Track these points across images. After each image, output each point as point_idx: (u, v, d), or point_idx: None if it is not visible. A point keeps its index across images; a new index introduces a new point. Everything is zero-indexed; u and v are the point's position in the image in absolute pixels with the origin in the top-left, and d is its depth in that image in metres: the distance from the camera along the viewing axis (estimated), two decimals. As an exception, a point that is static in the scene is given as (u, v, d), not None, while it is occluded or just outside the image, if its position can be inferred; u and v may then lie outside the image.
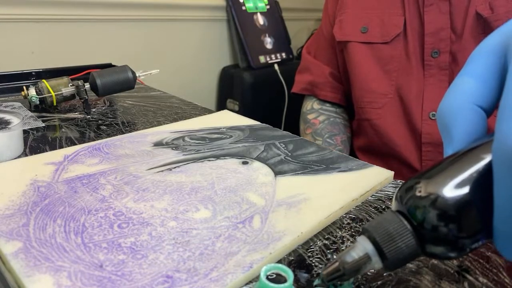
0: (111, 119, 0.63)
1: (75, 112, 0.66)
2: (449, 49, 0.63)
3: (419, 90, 0.66)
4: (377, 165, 0.73)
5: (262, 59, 1.29)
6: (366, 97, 0.71)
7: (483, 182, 0.21)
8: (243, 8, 1.29)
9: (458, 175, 0.21)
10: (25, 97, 0.63)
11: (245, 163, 0.48)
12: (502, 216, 0.21)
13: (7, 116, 0.51)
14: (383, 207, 0.42)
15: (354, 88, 0.74)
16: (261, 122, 0.63)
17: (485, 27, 0.59)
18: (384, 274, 0.32)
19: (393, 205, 0.23)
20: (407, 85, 0.66)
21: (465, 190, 0.21)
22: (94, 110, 0.67)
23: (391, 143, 0.69)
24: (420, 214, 0.21)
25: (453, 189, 0.21)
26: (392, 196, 0.44)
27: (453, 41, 0.62)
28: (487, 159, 0.21)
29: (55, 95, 0.63)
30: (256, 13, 1.33)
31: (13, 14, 0.89)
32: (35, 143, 0.52)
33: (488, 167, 0.20)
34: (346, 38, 0.73)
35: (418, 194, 0.22)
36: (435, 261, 0.34)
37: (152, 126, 0.59)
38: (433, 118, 0.64)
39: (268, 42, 1.33)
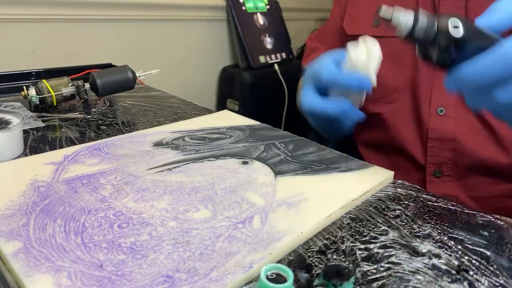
0: (111, 119, 0.63)
1: (75, 112, 0.66)
2: None
3: (428, 85, 0.65)
4: (380, 159, 0.73)
5: (262, 59, 1.29)
6: (378, 92, 0.67)
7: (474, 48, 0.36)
8: (243, 8, 1.29)
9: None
10: (25, 97, 0.63)
11: (245, 163, 0.48)
12: (469, 69, 0.35)
13: (7, 116, 0.51)
14: (383, 207, 0.42)
15: None
16: (261, 122, 0.63)
17: None
18: (385, 273, 0.32)
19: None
20: (418, 80, 0.66)
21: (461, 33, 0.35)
22: (94, 110, 0.67)
23: (397, 137, 0.69)
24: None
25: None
26: (392, 196, 0.44)
27: None
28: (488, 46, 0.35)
29: (55, 95, 0.63)
30: (256, 13, 1.33)
31: (13, 14, 0.89)
32: (35, 143, 0.52)
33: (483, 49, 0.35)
34: (357, 32, 0.71)
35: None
36: (435, 261, 0.34)
37: (152, 126, 0.59)
38: (440, 113, 0.64)
39: (268, 42, 1.33)
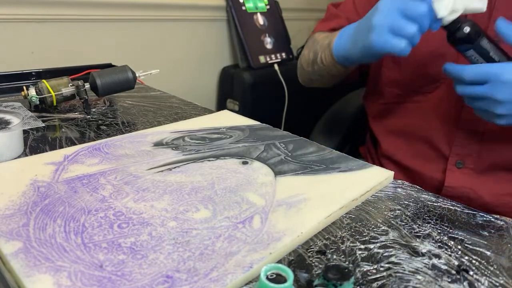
0: (111, 119, 0.63)
1: (75, 112, 0.66)
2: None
3: None
4: (400, 145, 0.73)
5: (262, 59, 1.28)
6: (419, 81, 0.69)
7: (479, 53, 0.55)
8: (243, 8, 1.29)
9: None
10: (25, 97, 0.63)
11: (245, 163, 0.48)
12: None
13: (7, 116, 0.51)
14: (383, 207, 0.42)
15: (404, 71, 0.71)
16: (261, 122, 0.63)
17: None
18: (385, 273, 0.32)
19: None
20: None
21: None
22: (94, 110, 0.67)
23: (427, 125, 0.68)
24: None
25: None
26: (392, 196, 0.44)
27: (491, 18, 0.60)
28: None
29: (55, 95, 0.63)
30: (256, 13, 1.33)
31: (13, 14, 0.89)
32: (35, 143, 0.52)
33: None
34: None
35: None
36: (435, 261, 0.34)
37: (152, 126, 0.59)
38: None
39: (268, 42, 1.33)
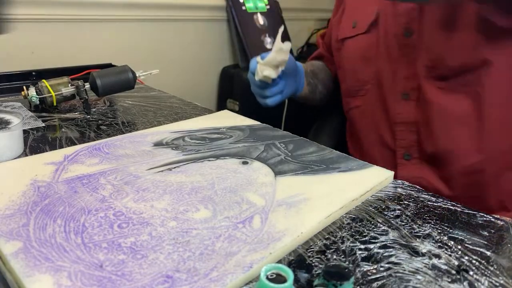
0: (111, 119, 0.63)
1: (75, 112, 0.66)
2: (419, 28, 0.65)
3: (392, 71, 0.69)
4: (362, 150, 0.77)
5: (262, 59, 1.29)
6: (355, 86, 0.76)
7: None
8: (243, 8, 1.29)
9: None
10: (25, 97, 0.63)
11: (245, 163, 0.48)
12: None
13: (7, 116, 0.51)
14: (383, 207, 0.42)
15: (345, 81, 0.79)
16: (261, 122, 0.63)
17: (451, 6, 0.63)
18: (385, 273, 0.32)
19: None
20: (383, 69, 0.71)
21: None
22: (94, 110, 0.67)
23: (372, 125, 0.74)
24: None
25: None
26: (392, 196, 0.44)
27: (422, 20, 0.65)
28: None
29: (55, 95, 0.63)
30: (256, 13, 1.32)
31: (13, 14, 0.89)
32: (35, 143, 0.52)
33: None
34: (343, 36, 0.78)
35: None
36: (435, 261, 0.34)
37: (152, 126, 0.59)
38: (404, 98, 0.68)
39: (268, 42, 1.33)
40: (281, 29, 0.64)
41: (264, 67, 0.64)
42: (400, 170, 0.69)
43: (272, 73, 0.64)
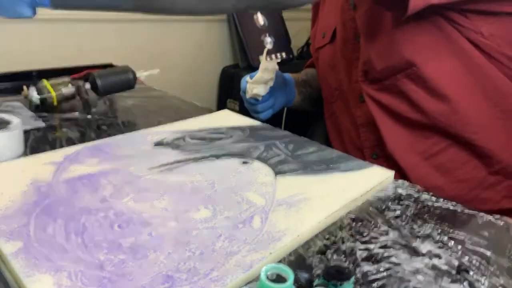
0: (112, 119, 0.63)
1: (75, 112, 0.66)
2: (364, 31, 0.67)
3: (349, 76, 0.72)
4: (344, 152, 0.78)
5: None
6: (328, 93, 0.80)
7: None
8: (243, 8, 1.29)
9: None
10: (26, 97, 0.63)
11: (245, 163, 0.48)
12: None
13: (7, 116, 0.51)
14: (384, 207, 0.42)
15: (322, 89, 0.83)
16: (261, 122, 0.63)
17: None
18: (385, 273, 0.32)
19: None
20: (343, 74, 0.73)
21: None
22: (94, 110, 0.67)
23: (344, 129, 0.77)
24: None
25: None
26: (393, 196, 0.44)
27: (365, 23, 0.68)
28: None
29: (56, 95, 0.64)
30: (256, 13, 1.32)
31: (13, 14, 0.89)
32: (36, 143, 0.52)
33: None
34: (317, 46, 0.82)
35: None
36: (435, 261, 0.34)
37: (152, 126, 0.59)
38: (361, 100, 0.69)
39: (268, 42, 1.33)
40: (266, 49, 0.72)
41: (253, 86, 0.69)
42: None
43: (260, 91, 0.69)
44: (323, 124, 1.00)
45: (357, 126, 0.72)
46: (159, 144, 0.52)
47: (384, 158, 0.69)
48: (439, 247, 0.35)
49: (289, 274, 0.28)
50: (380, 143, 0.68)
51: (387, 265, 0.33)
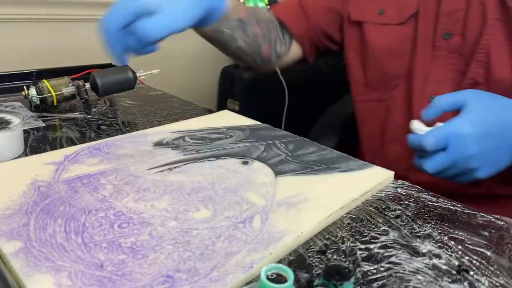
0: (112, 119, 0.63)
1: (76, 112, 0.66)
2: (461, 31, 0.62)
3: (424, 71, 0.66)
4: (374, 146, 0.75)
5: (262, 59, 1.28)
6: (381, 78, 0.71)
7: None
8: (243, 8, 1.29)
9: None
10: (26, 96, 0.63)
11: (245, 163, 0.48)
12: None
13: (7, 116, 0.51)
14: (384, 207, 0.42)
15: (368, 69, 0.74)
16: (261, 122, 0.63)
17: (506, 14, 0.59)
18: (385, 273, 0.32)
19: None
20: (415, 66, 0.67)
21: None
22: (94, 110, 0.67)
23: (393, 122, 0.70)
24: None
25: None
26: (393, 196, 0.44)
27: (467, 24, 0.62)
28: None
29: (56, 95, 0.64)
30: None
31: (13, 14, 0.89)
32: (36, 143, 0.52)
33: None
34: (362, 19, 0.73)
35: None
36: (435, 261, 0.34)
37: (152, 126, 0.59)
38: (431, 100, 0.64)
39: (268, 42, 1.33)
40: None
41: None
42: (414, 173, 0.64)
43: None
44: (323, 124, 0.98)
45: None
46: (159, 144, 0.52)
47: None
48: (439, 247, 0.35)
49: (289, 274, 0.28)
50: None
51: (387, 265, 0.33)
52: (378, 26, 0.70)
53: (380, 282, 0.31)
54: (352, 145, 0.97)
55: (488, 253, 0.35)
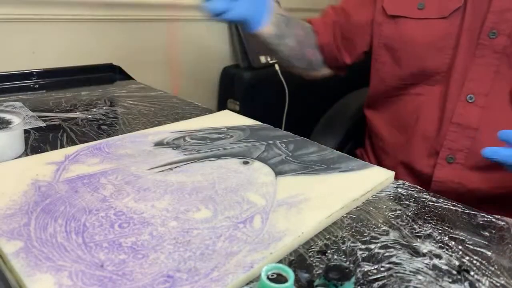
0: (112, 119, 0.63)
1: (76, 112, 0.66)
2: (509, 32, 0.61)
3: (463, 69, 0.64)
4: (396, 138, 0.73)
5: (262, 59, 1.28)
6: (417, 74, 0.70)
7: None
8: (244, 8, 1.29)
9: None
10: None
11: (246, 163, 0.48)
12: None
13: (7, 116, 0.51)
14: (384, 207, 0.42)
15: (403, 64, 0.72)
16: (261, 122, 0.63)
17: None
18: (386, 273, 0.32)
19: None
20: (454, 64, 0.65)
21: None
22: (94, 110, 0.67)
23: (422, 118, 0.69)
24: None
25: None
26: (393, 196, 0.44)
27: None
28: None
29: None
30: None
31: (13, 14, 0.89)
32: (36, 142, 0.52)
33: None
34: (399, 13, 0.71)
35: None
36: (436, 261, 0.34)
37: (153, 126, 0.59)
38: (470, 100, 0.63)
39: (269, 42, 1.33)
40: None
41: None
42: (438, 171, 0.66)
43: None
44: (324, 124, 0.98)
45: (447, 122, 0.65)
46: (159, 144, 0.52)
47: (463, 166, 0.64)
48: (440, 247, 0.35)
49: (290, 274, 0.28)
50: (471, 151, 0.63)
51: (387, 265, 0.33)
52: (417, 21, 0.68)
53: (380, 282, 0.31)
54: (352, 146, 0.97)
55: (489, 253, 0.35)
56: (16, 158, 0.47)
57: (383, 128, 0.78)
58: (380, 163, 0.76)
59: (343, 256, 0.34)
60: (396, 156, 0.73)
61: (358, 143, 0.94)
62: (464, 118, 0.63)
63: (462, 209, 0.42)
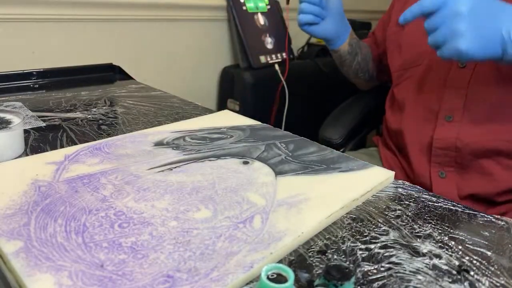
0: (112, 119, 0.63)
1: (76, 111, 0.66)
2: None
3: None
4: (401, 116, 0.81)
5: (262, 59, 1.28)
6: (413, 58, 0.79)
7: None
8: (244, 8, 1.29)
9: None
10: None
11: (245, 163, 0.48)
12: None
13: (7, 116, 0.51)
14: (384, 207, 0.42)
15: (403, 54, 0.81)
16: (261, 122, 0.63)
17: None
18: (386, 273, 0.32)
19: None
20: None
21: None
22: (94, 110, 0.67)
23: (421, 91, 0.77)
24: None
25: None
26: (393, 196, 0.44)
27: None
28: None
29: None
30: (256, 13, 1.32)
31: (13, 14, 0.89)
32: (36, 142, 0.52)
33: None
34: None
35: None
36: (436, 261, 0.34)
37: (152, 126, 0.59)
38: (462, 66, 0.70)
39: (269, 42, 1.33)
40: None
41: None
42: (438, 130, 0.73)
43: None
44: (342, 107, 1.03)
45: (442, 87, 0.73)
46: (159, 144, 0.52)
47: (460, 123, 0.70)
48: (440, 247, 0.35)
49: (290, 274, 0.28)
50: (466, 108, 0.69)
51: (387, 265, 0.33)
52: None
53: (380, 282, 0.31)
54: (358, 141, 0.98)
55: (489, 253, 0.35)
56: (16, 158, 0.47)
57: (388, 109, 0.87)
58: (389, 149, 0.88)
59: (343, 256, 0.34)
60: (415, 144, 0.81)
61: (364, 139, 0.95)
62: (456, 81, 0.71)
63: (462, 209, 0.42)
